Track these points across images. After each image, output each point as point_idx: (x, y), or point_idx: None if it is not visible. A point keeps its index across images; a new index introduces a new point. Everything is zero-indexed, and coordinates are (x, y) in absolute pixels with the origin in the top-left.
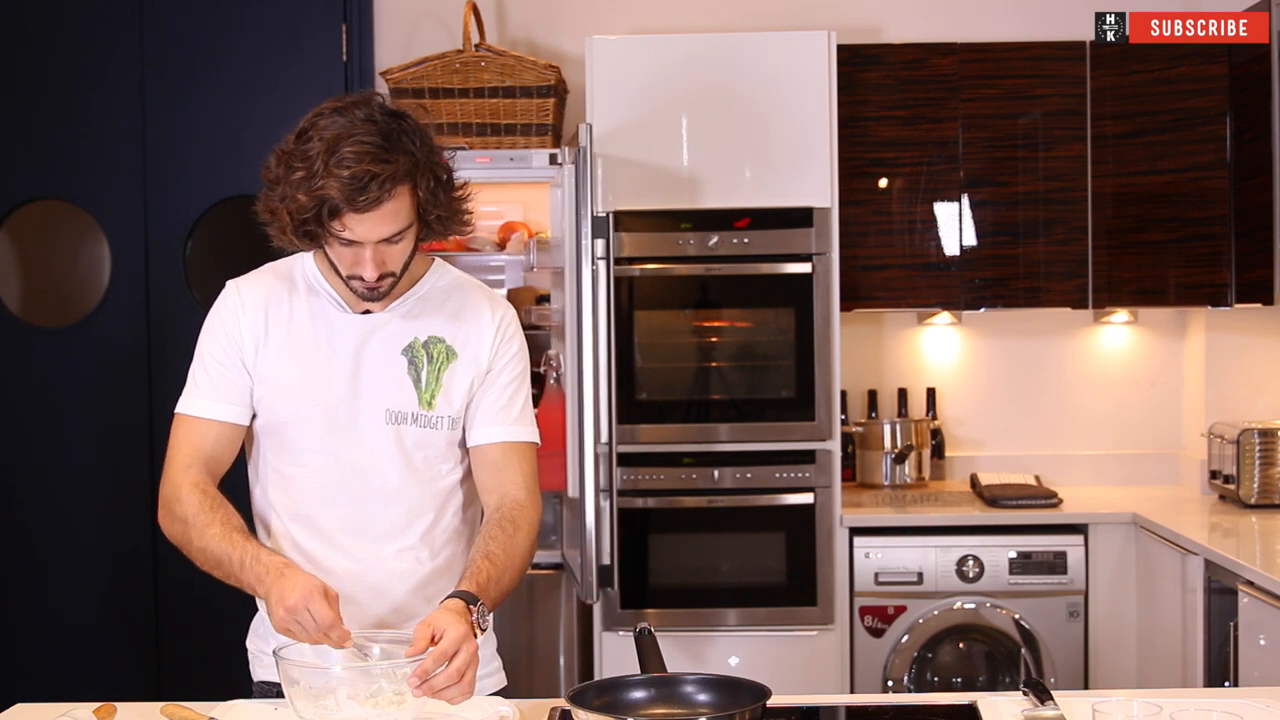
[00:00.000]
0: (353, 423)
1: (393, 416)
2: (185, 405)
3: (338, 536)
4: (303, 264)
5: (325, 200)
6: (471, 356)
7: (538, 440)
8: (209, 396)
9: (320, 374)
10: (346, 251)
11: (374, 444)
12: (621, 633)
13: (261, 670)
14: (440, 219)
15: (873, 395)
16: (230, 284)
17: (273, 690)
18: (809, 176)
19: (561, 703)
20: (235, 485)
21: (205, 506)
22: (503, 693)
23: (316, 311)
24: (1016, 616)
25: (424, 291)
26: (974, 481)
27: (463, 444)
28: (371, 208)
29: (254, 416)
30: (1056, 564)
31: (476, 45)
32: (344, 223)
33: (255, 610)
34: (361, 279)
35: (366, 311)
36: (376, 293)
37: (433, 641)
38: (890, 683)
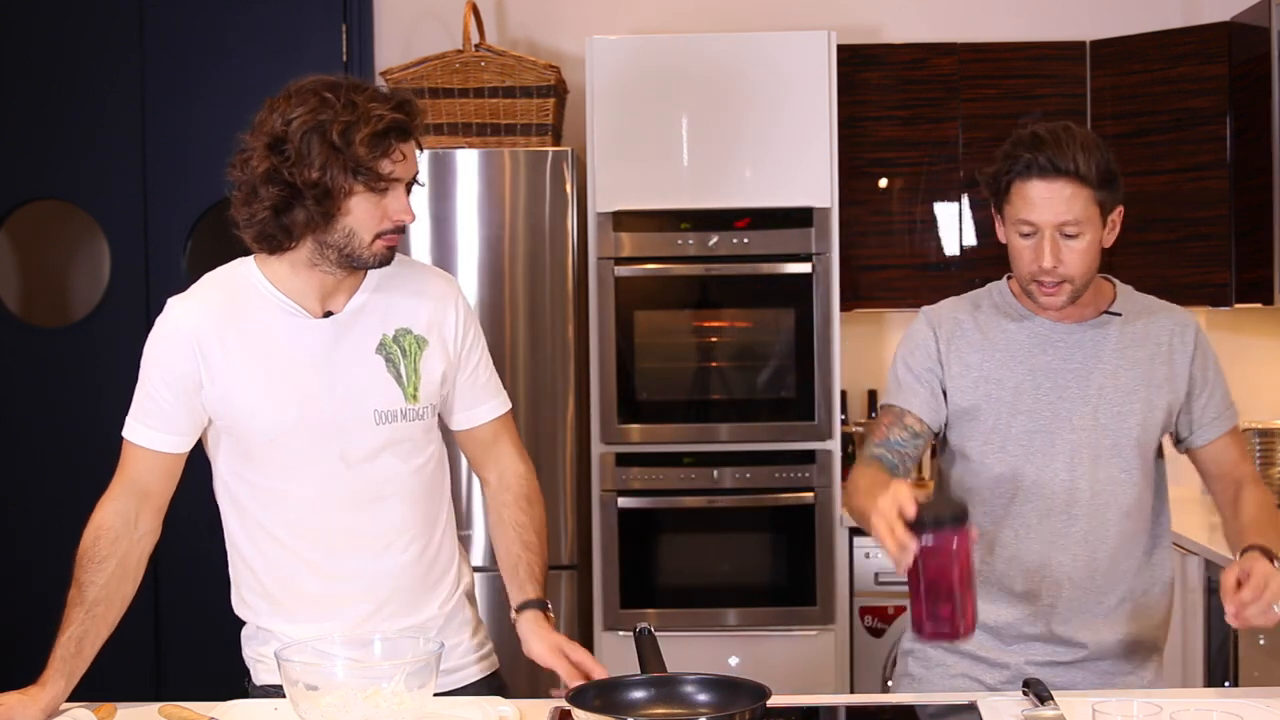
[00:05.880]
0: (340, 430)
1: (382, 416)
2: (125, 428)
3: (339, 541)
4: (246, 273)
5: (393, 126)
6: (439, 340)
7: (510, 404)
8: (143, 421)
9: (294, 388)
10: (380, 202)
11: (365, 446)
12: (621, 633)
13: (257, 673)
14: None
15: (873, 395)
16: (170, 303)
17: (268, 693)
18: (809, 176)
19: (561, 703)
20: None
21: (86, 558)
22: (501, 690)
23: (274, 323)
24: None
25: (375, 284)
26: None
27: (435, 424)
28: (420, 134)
29: (221, 443)
30: None
31: (476, 45)
32: (404, 151)
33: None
34: (403, 227)
35: (329, 314)
36: (396, 246)
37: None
38: (890, 683)
